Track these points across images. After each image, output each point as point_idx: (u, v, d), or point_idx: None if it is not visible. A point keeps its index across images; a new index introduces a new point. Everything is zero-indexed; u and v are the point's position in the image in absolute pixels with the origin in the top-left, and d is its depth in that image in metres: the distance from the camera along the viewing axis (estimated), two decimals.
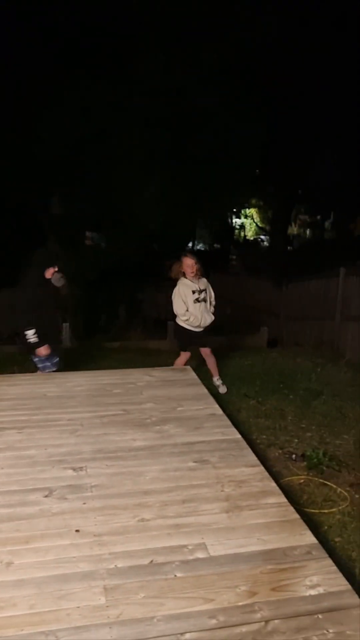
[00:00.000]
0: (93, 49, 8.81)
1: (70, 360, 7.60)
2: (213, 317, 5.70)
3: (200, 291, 5.61)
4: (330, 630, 1.89)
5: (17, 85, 9.25)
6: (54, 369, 5.22)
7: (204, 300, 5.63)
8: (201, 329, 5.67)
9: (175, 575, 2.19)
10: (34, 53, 8.87)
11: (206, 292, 5.67)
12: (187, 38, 8.97)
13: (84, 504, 2.75)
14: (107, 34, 8.74)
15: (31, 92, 9.56)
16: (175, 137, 9.24)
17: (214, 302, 5.75)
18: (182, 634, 1.88)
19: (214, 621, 1.94)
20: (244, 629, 1.90)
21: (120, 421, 3.87)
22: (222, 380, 5.94)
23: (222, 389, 5.83)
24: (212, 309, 5.73)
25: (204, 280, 5.72)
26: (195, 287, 5.59)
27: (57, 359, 5.27)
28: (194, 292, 5.58)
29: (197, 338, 5.72)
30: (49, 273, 5.07)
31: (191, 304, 5.55)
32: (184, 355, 5.83)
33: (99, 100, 8.77)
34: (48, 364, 5.20)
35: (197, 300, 5.58)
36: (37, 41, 8.78)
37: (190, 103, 9.15)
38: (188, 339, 5.76)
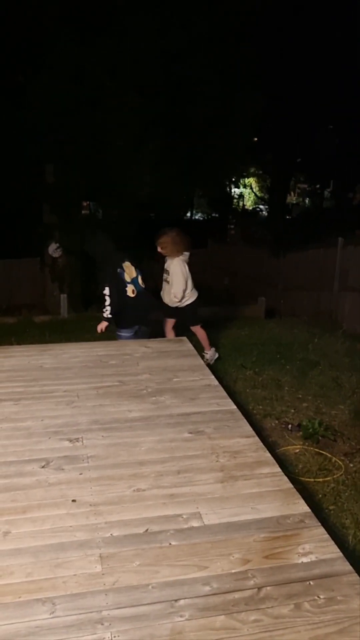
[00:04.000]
0: (82, 9, 8.51)
1: (67, 332, 7.62)
2: (173, 299, 5.65)
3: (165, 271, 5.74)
4: (321, 596, 1.93)
5: (2, 48, 8.97)
6: None
7: (166, 281, 5.73)
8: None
9: (170, 544, 2.22)
10: (21, 15, 8.58)
11: (168, 274, 5.69)
12: (180, 1, 8.68)
13: (81, 474, 2.77)
14: None
15: (18, 56, 9.29)
16: (170, 105, 9.05)
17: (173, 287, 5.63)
18: (176, 600, 1.92)
19: (207, 588, 1.98)
20: (236, 595, 1.94)
21: (115, 392, 3.88)
22: (214, 349, 5.98)
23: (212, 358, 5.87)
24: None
25: (169, 261, 5.68)
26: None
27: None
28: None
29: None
30: None
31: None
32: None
33: (92, 66, 8.55)
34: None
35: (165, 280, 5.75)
36: (27, 3, 8.47)
37: (185, 69, 8.93)
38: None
